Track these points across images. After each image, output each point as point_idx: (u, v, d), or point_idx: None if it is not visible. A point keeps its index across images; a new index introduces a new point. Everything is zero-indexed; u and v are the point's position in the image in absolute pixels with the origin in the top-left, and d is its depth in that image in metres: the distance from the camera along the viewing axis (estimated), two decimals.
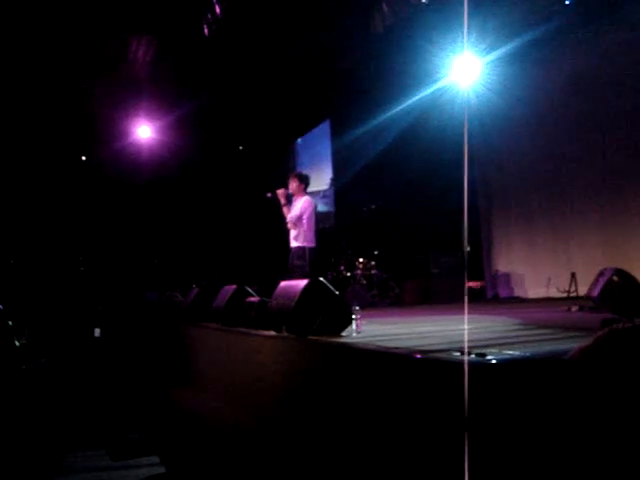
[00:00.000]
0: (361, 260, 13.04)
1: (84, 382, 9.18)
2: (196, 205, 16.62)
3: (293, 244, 9.20)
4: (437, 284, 12.58)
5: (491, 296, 12.72)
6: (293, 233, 9.22)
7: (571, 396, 2.98)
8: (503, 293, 12.64)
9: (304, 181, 9.39)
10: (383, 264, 13.10)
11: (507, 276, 12.68)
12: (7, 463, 5.08)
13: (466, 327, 4.89)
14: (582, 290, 9.76)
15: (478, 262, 13.16)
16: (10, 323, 7.30)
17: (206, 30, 11.36)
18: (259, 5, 11.23)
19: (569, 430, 2.96)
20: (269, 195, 9.41)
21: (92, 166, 16.08)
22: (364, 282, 12.79)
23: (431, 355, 3.71)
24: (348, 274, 13.04)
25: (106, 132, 15.31)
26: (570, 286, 10.41)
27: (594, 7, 10.03)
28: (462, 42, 9.30)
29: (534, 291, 11.79)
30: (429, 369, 3.57)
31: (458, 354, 3.57)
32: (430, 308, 10.45)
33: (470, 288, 12.48)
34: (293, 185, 9.27)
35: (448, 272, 12.34)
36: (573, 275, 10.39)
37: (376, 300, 12.35)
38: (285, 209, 9.20)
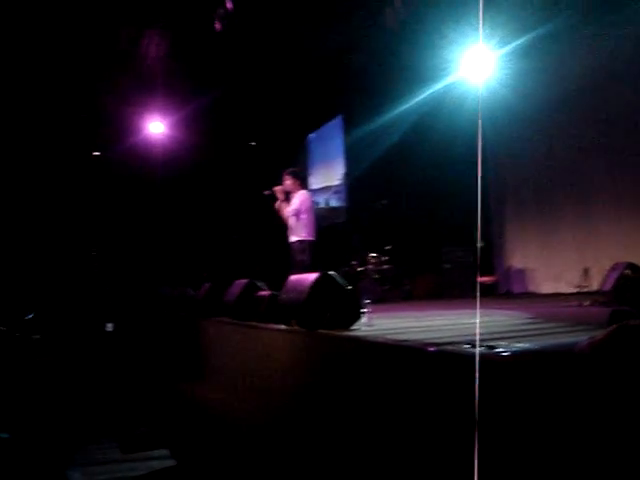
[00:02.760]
0: (373, 255, 13.02)
1: (96, 376, 9.22)
2: (209, 200, 16.64)
3: (293, 238, 9.26)
4: (449, 279, 12.56)
5: (504, 291, 12.68)
6: (292, 227, 9.27)
7: (580, 388, 2.97)
8: (516, 288, 12.59)
9: (298, 177, 9.51)
10: (395, 259, 13.08)
11: (520, 271, 12.63)
12: (21, 458, 5.11)
13: (478, 320, 4.87)
14: (596, 285, 9.73)
15: (491, 257, 13.11)
16: None
17: (218, 25, 11.35)
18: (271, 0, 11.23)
19: (578, 422, 2.95)
20: (266, 193, 9.52)
21: (105, 162, 16.13)
22: (376, 277, 12.76)
23: (441, 348, 3.71)
24: (360, 269, 13.03)
25: (119, 128, 15.35)
26: (583, 281, 10.36)
27: (606, 3, 9.96)
28: (474, 36, 9.26)
29: (547, 286, 11.74)
30: (439, 362, 3.56)
31: (468, 347, 3.57)
32: (441, 303, 10.43)
33: (482, 283, 12.44)
34: (288, 183, 9.36)
35: (460, 267, 12.30)
36: (586, 270, 10.35)
37: (388, 295, 12.33)
38: (283, 205, 9.29)
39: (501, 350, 3.35)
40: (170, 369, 8.82)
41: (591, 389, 2.93)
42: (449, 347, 3.68)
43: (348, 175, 15.94)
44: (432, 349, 3.70)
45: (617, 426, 2.80)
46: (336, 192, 16.59)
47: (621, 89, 10.27)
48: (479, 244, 10.55)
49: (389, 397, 3.88)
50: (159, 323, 10.61)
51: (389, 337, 4.47)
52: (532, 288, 12.23)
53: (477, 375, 2.93)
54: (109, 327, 12.03)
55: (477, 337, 3.35)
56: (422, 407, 3.54)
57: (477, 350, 3.20)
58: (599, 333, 3.12)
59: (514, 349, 3.44)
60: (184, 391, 7.47)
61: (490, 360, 3.21)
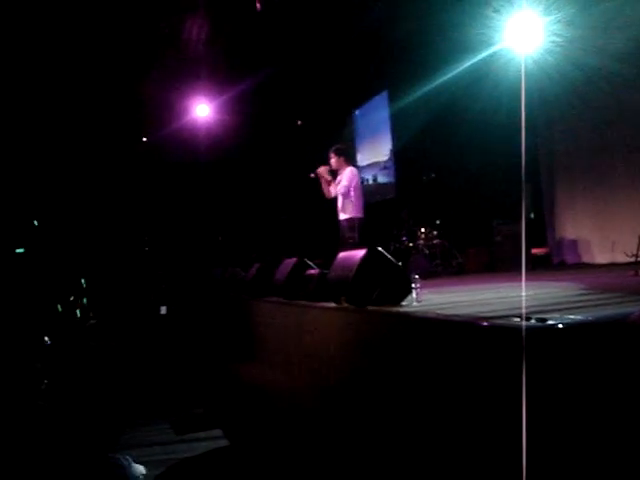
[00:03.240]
0: (423, 230, 12.93)
1: (151, 359, 9.33)
2: (257, 181, 16.68)
3: (342, 216, 9.25)
4: (500, 252, 12.37)
5: (557, 262, 12.49)
6: (340, 205, 9.25)
7: (634, 359, 2.91)
8: (570, 259, 12.37)
9: (343, 154, 9.48)
10: (445, 233, 12.97)
11: (573, 242, 12.41)
12: (68, 438, 5.18)
13: (524, 293, 4.80)
14: None
15: (543, 228, 12.91)
16: (72, 298, 7.42)
17: (258, 5, 11.33)
18: None
19: (633, 393, 2.89)
20: (312, 175, 9.49)
21: (154, 147, 16.27)
22: (427, 252, 12.68)
23: (491, 322, 3.66)
24: (410, 244, 12.96)
25: (166, 113, 15.45)
26: (638, 250, 10.15)
27: None
28: (519, 3, 9.08)
29: (601, 256, 11.52)
30: (489, 336, 3.51)
31: (518, 320, 3.51)
32: (493, 276, 10.31)
33: (535, 255, 12.27)
34: (332, 161, 9.34)
35: (511, 239, 12.10)
36: None
37: (439, 270, 12.24)
38: (331, 184, 9.26)
39: (553, 322, 3.29)
40: (222, 350, 8.89)
41: None
42: (499, 321, 3.63)
43: (395, 150, 15.82)
44: (482, 323, 3.66)
45: None
46: (384, 168, 16.48)
47: None
48: (524, 214, 10.38)
49: (440, 372, 3.84)
50: (211, 305, 10.70)
51: (439, 312, 4.43)
52: (586, 259, 12.01)
53: (524, 347, 2.89)
54: (163, 310, 12.19)
55: (523, 309, 3.31)
56: (473, 381, 3.51)
57: (523, 323, 3.15)
58: None
59: (566, 321, 3.38)
60: (236, 371, 7.52)
61: (542, 332, 3.16)
